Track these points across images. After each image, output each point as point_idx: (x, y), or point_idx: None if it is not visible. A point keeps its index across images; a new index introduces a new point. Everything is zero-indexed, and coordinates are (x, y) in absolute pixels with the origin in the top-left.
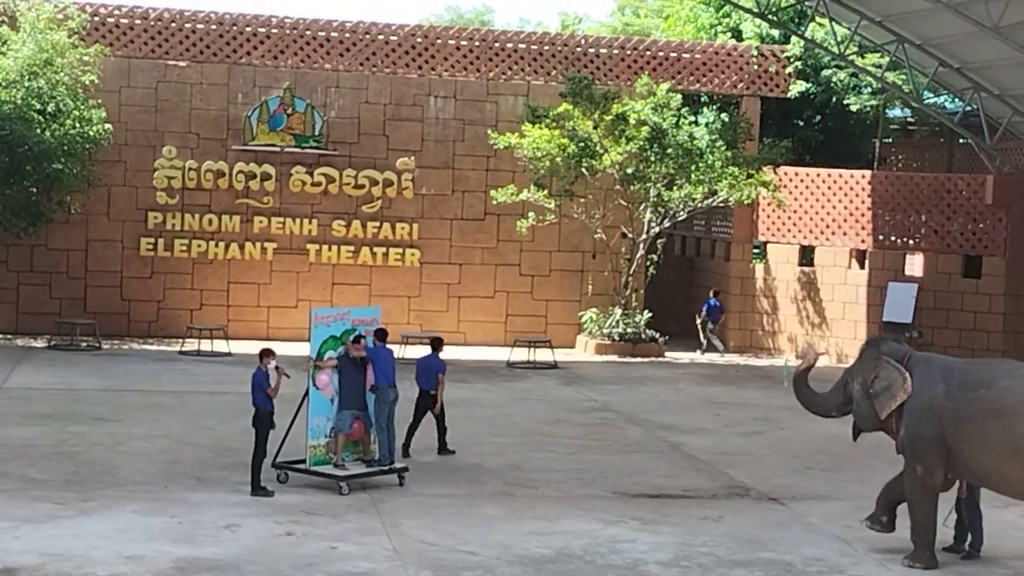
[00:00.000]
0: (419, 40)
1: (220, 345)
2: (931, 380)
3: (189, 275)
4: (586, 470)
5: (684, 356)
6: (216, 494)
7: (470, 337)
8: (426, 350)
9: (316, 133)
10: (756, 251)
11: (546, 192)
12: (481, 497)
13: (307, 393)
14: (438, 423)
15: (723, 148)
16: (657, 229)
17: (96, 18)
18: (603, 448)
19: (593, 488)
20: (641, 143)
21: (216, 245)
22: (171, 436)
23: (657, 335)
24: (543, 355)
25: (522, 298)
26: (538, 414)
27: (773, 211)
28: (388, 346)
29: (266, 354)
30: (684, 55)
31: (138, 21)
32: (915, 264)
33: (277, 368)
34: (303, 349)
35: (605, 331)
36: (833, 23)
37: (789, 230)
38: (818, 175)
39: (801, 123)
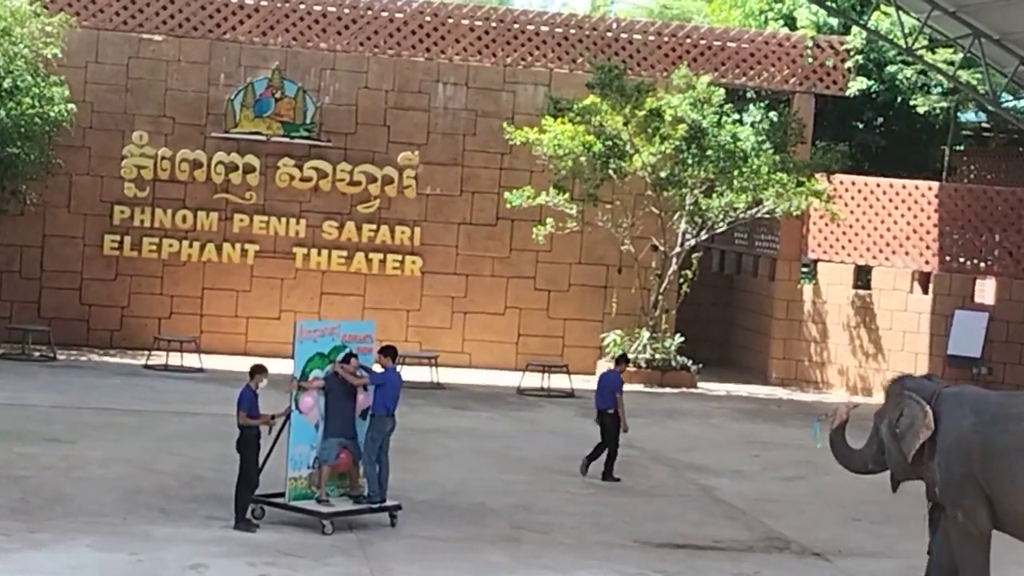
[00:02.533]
0: (427, 19)
1: (191, 359)
2: (960, 414)
3: (158, 279)
4: (604, 514)
5: (719, 387)
6: (182, 529)
7: (476, 359)
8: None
9: (307, 121)
10: (805, 270)
11: (567, 196)
12: (483, 541)
13: (288, 417)
14: (609, 447)
15: (771, 151)
16: (693, 242)
17: None
18: (624, 490)
19: (611, 535)
20: (677, 143)
21: (190, 245)
22: (133, 461)
23: (689, 362)
24: (559, 382)
25: (537, 316)
26: (551, 449)
27: (826, 225)
28: (397, 368)
29: (258, 371)
30: (729, 44)
31: None
32: (986, 290)
33: (274, 417)
34: (286, 367)
35: (631, 356)
36: (900, 12)
37: (843, 247)
38: (878, 185)
39: (860, 125)
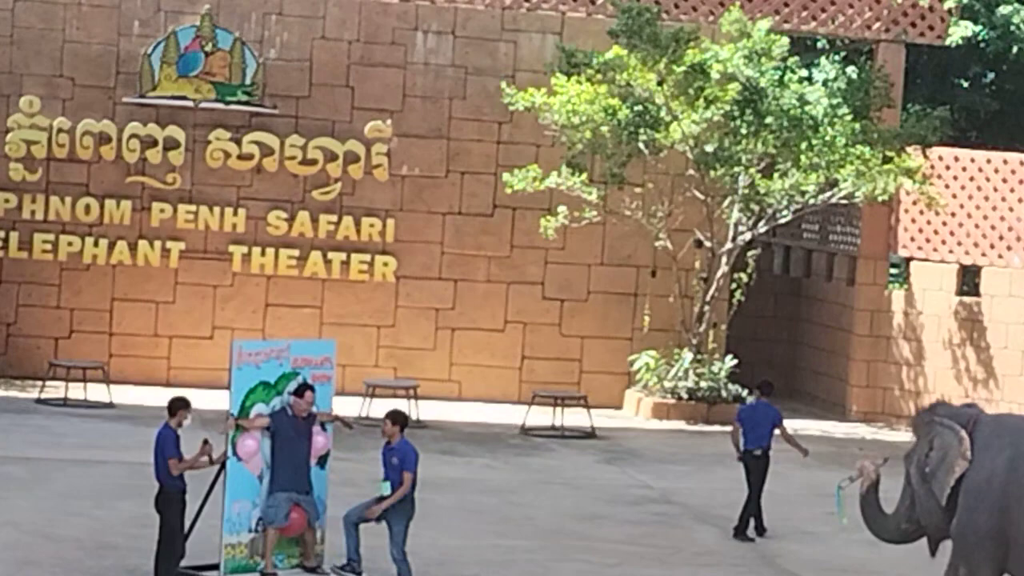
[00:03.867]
0: None
1: (97, 392)
2: (997, 446)
3: (55, 287)
4: None
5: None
6: None
7: (468, 389)
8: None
9: (247, 82)
10: (894, 272)
11: (585, 177)
12: None
13: (224, 466)
14: (753, 496)
15: (848, 118)
16: (748, 236)
17: None
18: (661, 559)
19: None
20: (727, 108)
21: (95, 244)
22: (23, 525)
23: (744, 392)
24: (575, 418)
25: (546, 333)
26: (565, 506)
27: (921, 213)
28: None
29: (179, 406)
30: None
31: None
32: None
33: (205, 443)
34: (220, 401)
35: (668, 384)
36: None
37: (944, 242)
38: (988, 161)
39: (965, 83)
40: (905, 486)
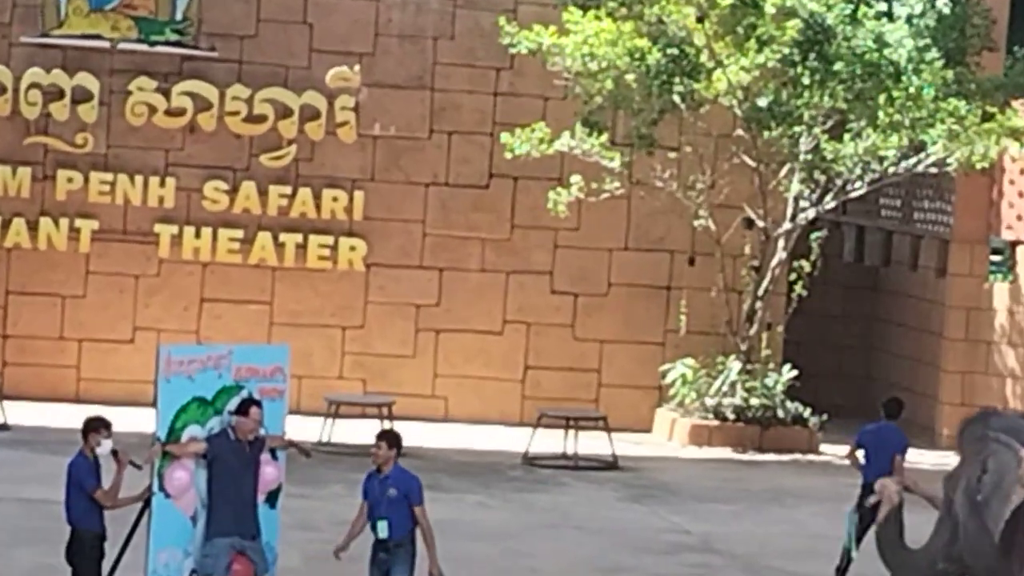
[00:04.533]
0: None
1: None
2: None
3: None
4: None
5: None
6: None
7: (457, 407)
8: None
9: (177, 18)
10: (997, 259)
11: (605, 139)
12: None
13: (148, 503)
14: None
15: (939, 64)
16: (812, 213)
17: None
18: None
19: None
20: (786, 52)
21: None
22: None
23: (807, 412)
24: (592, 444)
25: (555, 336)
26: (580, 556)
27: None
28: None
29: (95, 428)
30: None
31: None
32: None
33: (117, 454)
34: (143, 421)
35: (710, 402)
36: None
37: None
38: None
39: None
40: (943, 517)
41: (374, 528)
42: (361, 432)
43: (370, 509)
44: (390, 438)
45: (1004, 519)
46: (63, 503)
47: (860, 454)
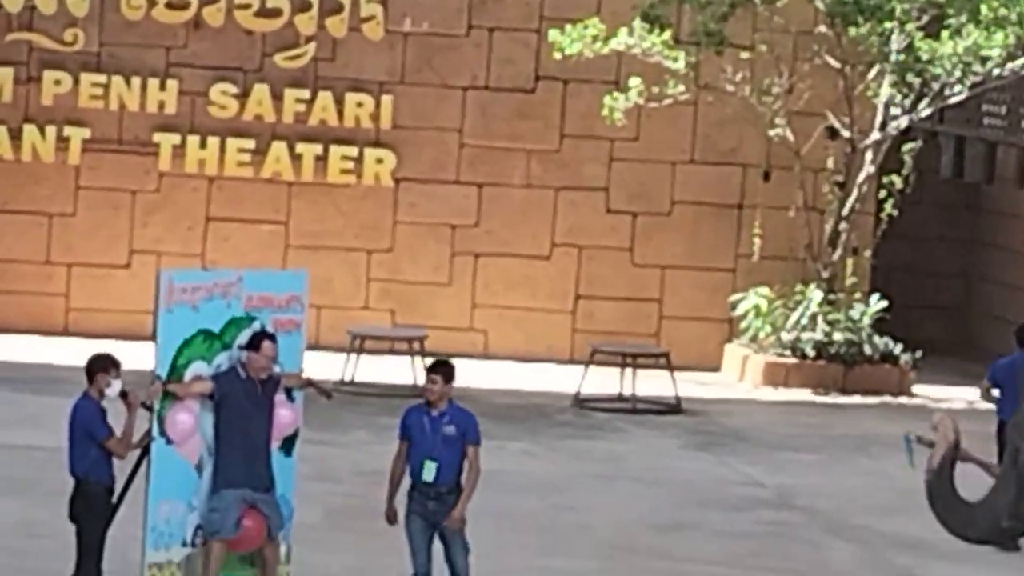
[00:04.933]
0: None
1: None
2: None
3: None
4: None
5: (954, 394)
6: None
7: (498, 342)
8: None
9: None
10: None
11: (668, 36)
12: None
13: (147, 450)
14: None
15: None
16: (904, 122)
17: None
18: None
19: None
20: None
21: None
22: None
23: (898, 348)
24: (652, 385)
25: (611, 262)
26: (638, 511)
27: None
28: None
29: (103, 367)
30: None
31: None
32: None
33: (127, 396)
34: (141, 357)
35: (787, 337)
36: None
37: None
38: None
39: None
40: (1007, 470)
41: (418, 471)
42: (388, 370)
43: (414, 450)
44: (447, 371)
45: None
46: (67, 452)
47: (995, 392)
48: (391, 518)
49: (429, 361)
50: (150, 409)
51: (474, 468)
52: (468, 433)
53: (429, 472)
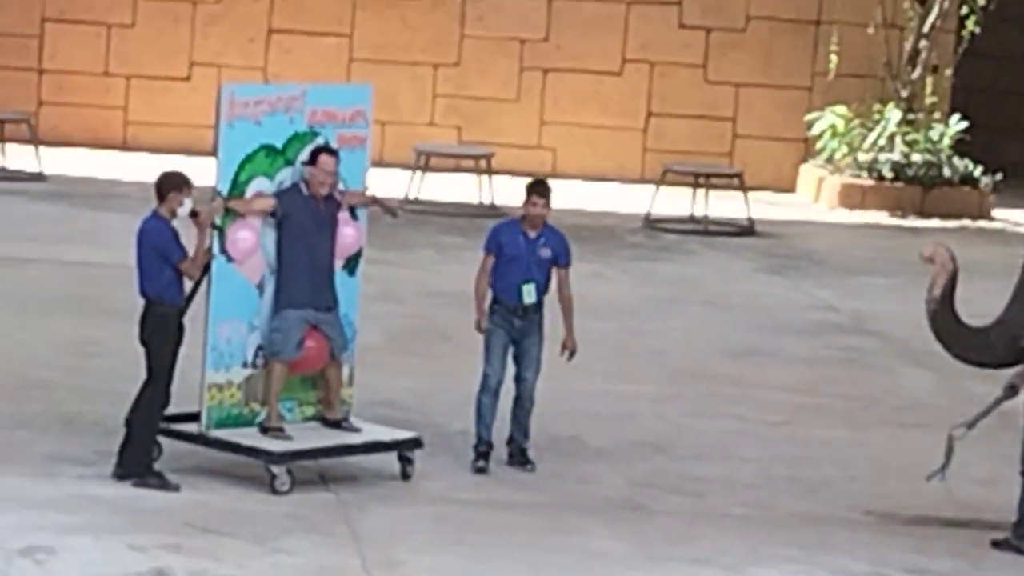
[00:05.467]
0: None
1: (20, 156)
2: None
3: None
4: (806, 460)
5: None
6: (9, 479)
7: (566, 160)
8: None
9: None
10: None
11: None
12: (573, 511)
13: (207, 268)
14: None
15: None
16: None
17: None
18: (847, 415)
19: (821, 502)
20: None
21: None
22: None
23: (978, 170)
24: (725, 205)
25: (684, 78)
26: (709, 336)
27: None
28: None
29: (176, 185)
30: None
31: None
32: None
33: (198, 215)
34: (202, 172)
35: (864, 157)
36: None
37: None
38: None
39: None
40: (1021, 286)
41: (515, 292)
42: (454, 188)
43: (505, 268)
44: (548, 192)
45: None
46: (136, 273)
47: None
48: (483, 328)
49: (498, 180)
50: (220, 229)
51: (567, 291)
52: (561, 256)
53: (529, 295)
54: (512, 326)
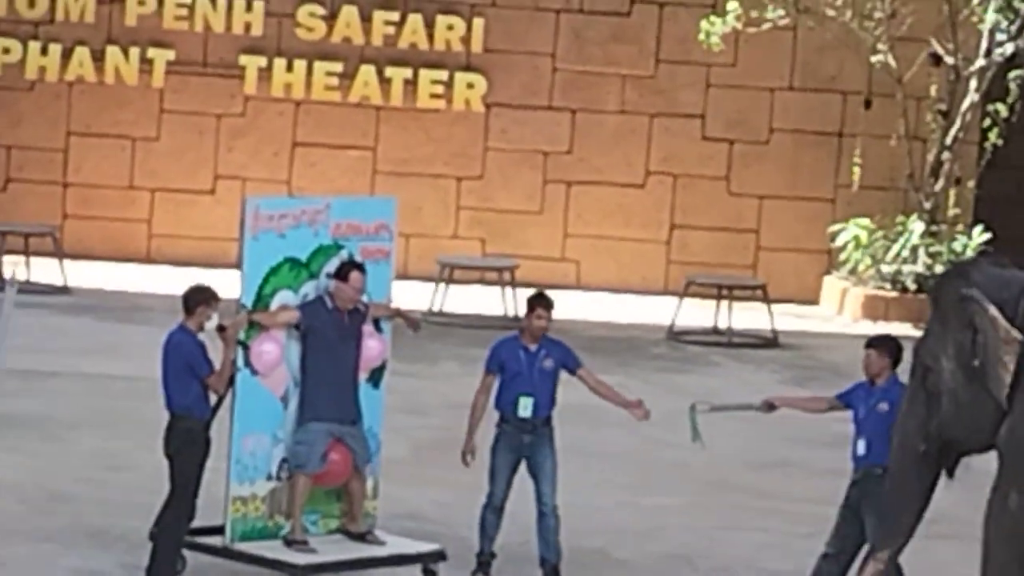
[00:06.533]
0: None
1: (45, 269)
2: None
3: None
4: None
5: None
6: None
7: (590, 272)
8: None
9: None
10: None
11: None
12: None
13: (232, 381)
14: None
15: None
16: (1010, 48)
17: None
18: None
19: None
20: None
21: (43, 51)
22: None
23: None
24: (749, 317)
25: (707, 191)
26: (734, 447)
27: None
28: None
29: (203, 300)
30: None
31: None
32: None
33: (224, 330)
34: (226, 285)
35: (887, 269)
36: None
37: None
38: None
39: None
40: (916, 391)
41: (511, 406)
42: (478, 300)
43: (507, 384)
44: (551, 304)
45: (1007, 379)
46: (162, 387)
47: None
48: (471, 454)
49: (522, 292)
50: (246, 347)
51: (595, 380)
52: (568, 361)
53: (525, 408)
54: (521, 443)
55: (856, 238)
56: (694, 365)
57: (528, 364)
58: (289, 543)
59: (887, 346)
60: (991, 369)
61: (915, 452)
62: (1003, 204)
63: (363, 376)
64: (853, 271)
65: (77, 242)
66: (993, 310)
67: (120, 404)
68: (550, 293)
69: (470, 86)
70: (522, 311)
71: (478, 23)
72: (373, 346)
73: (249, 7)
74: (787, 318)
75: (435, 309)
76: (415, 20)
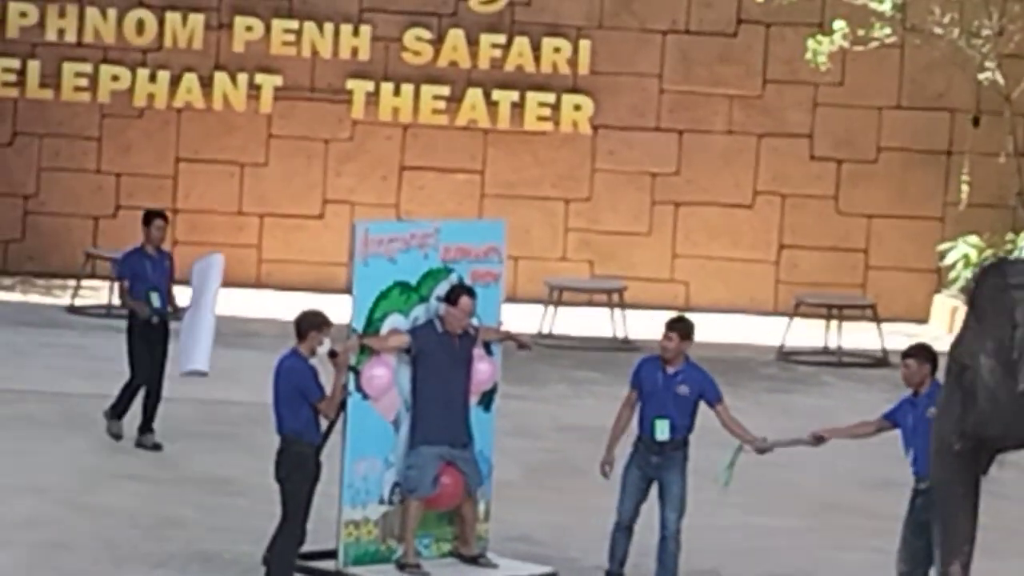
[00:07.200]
0: None
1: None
2: None
3: (93, 141)
4: None
5: None
6: None
7: (698, 293)
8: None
9: None
10: None
11: None
12: None
13: (343, 406)
14: None
15: None
16: None
17: None
18: (986, 547)
19: None
20: None
21: (152, 78)
22: (50, 491)
23: None
24: (859, 337)
25: (815, 210)
26: (845, 467)
27: None
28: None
29: (316, 325)
30: None
31: None
32: None
33: (336, 356)
34: (336, 310)
35: None
36: None
37: None
38: None
39: None
40: (952, 390)
41: (648, 428)
42: (587, 322)
43: (644, 404)
44: (683, 328)
45: None
46: (274, 411)
47: None
48: (608, 467)
49: (631, 313)
50: (357, 372)
51: (730, 420)
52: (707, 392)
53: (662, 432)
54: (649, 463)
55: (966, 256)
56: (804, 385)
57: (664, 386)
58: (402, 567)
59: (924, 354)
60: None
61: (950, 452)
62: None
63: (474, 399)
64: (963, 289)
65: (187, 267)
66: None
67: (232, 429)
68: (659, 315)
69: (577, 108)
70: (631, 333)
71: (584, 45)
72: (483, 369)
73: (356, 32)
74: (897, 337)
75: (544, 331)
76: (521, 43)
